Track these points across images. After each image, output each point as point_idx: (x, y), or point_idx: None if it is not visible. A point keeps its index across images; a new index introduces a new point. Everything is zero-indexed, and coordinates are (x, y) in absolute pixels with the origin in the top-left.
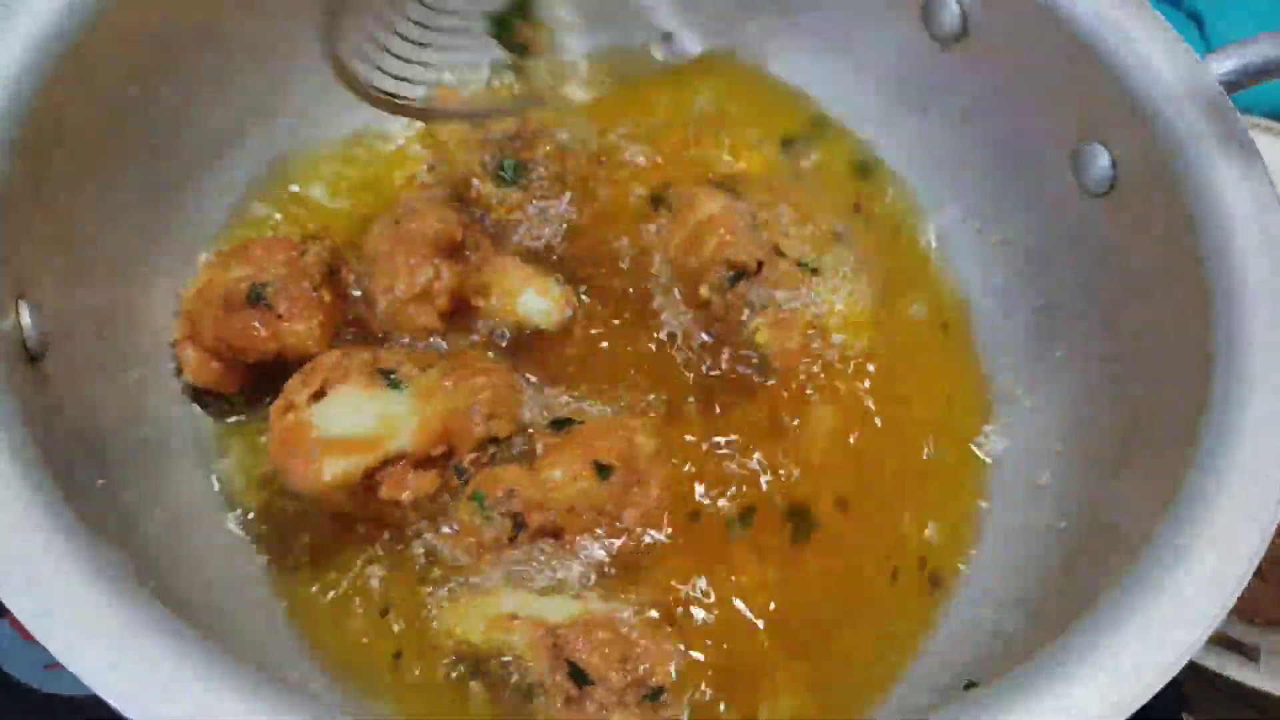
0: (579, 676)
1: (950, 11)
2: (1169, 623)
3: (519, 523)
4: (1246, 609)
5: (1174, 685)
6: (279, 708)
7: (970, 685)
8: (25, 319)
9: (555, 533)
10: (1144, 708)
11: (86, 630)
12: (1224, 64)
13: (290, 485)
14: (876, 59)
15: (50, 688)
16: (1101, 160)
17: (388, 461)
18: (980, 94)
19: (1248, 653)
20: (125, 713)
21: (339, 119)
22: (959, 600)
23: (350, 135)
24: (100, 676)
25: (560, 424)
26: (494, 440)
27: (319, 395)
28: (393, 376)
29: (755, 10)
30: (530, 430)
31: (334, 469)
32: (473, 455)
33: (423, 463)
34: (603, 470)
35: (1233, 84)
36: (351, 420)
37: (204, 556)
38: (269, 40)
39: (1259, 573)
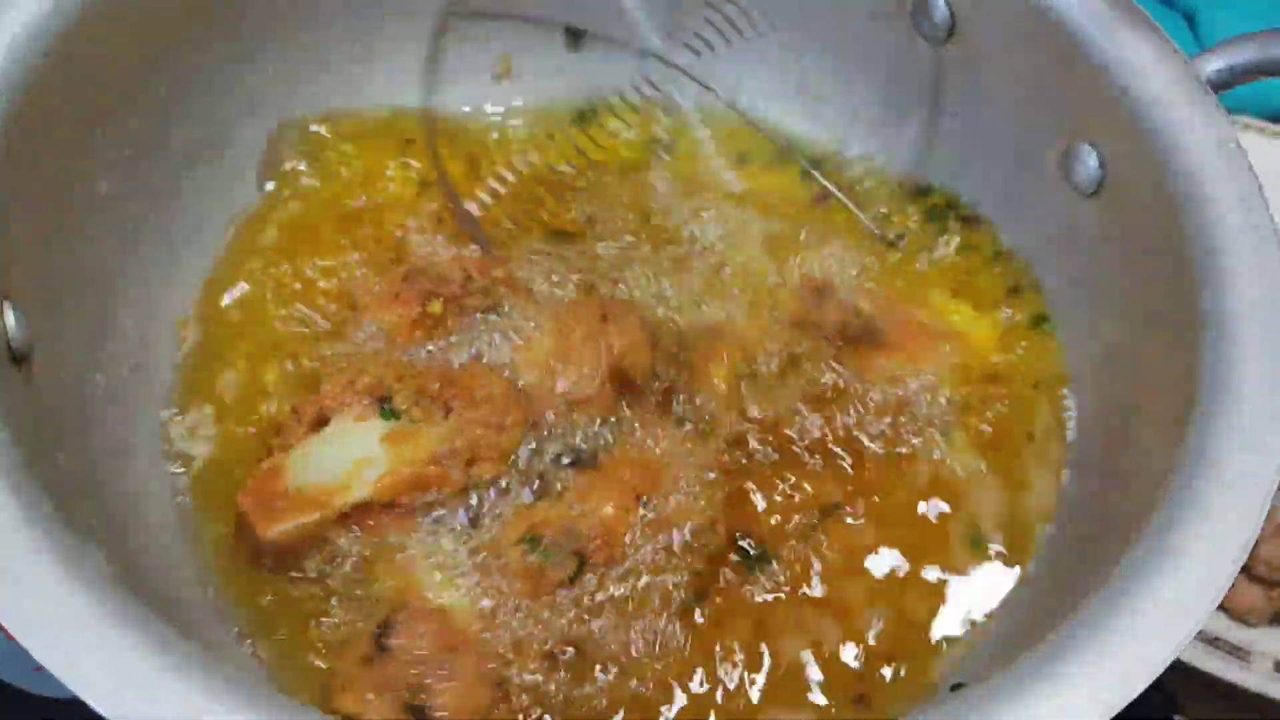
0: (381, 640)
1: (939, 11)
2: (1157, 621)
3: (584, 560)
4: (1237, 608)
5: (1165, 685)
6: (260, 709)
7: (957, 686)
8: (10, 320)
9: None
10: (1134, 707)
11: (67, 631)
12: (1214, 63)
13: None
14: (864, 58)
15: (39, 689)
16: (1090, 161)
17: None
18: (969, 94)
19: (1239, 653)
20: (107, 714)
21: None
22: None
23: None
24: (82, 678)
25: (580, 462)
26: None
27: (320, 423)
28: (388, 406)
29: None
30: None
31: (285, 526)
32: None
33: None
34: (645, 503)
35: (1223, 83)
36: (329, 466)
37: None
38: (266, 38)
39: (1248, 572)
